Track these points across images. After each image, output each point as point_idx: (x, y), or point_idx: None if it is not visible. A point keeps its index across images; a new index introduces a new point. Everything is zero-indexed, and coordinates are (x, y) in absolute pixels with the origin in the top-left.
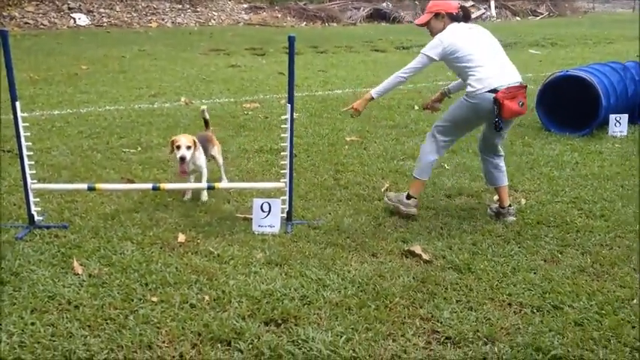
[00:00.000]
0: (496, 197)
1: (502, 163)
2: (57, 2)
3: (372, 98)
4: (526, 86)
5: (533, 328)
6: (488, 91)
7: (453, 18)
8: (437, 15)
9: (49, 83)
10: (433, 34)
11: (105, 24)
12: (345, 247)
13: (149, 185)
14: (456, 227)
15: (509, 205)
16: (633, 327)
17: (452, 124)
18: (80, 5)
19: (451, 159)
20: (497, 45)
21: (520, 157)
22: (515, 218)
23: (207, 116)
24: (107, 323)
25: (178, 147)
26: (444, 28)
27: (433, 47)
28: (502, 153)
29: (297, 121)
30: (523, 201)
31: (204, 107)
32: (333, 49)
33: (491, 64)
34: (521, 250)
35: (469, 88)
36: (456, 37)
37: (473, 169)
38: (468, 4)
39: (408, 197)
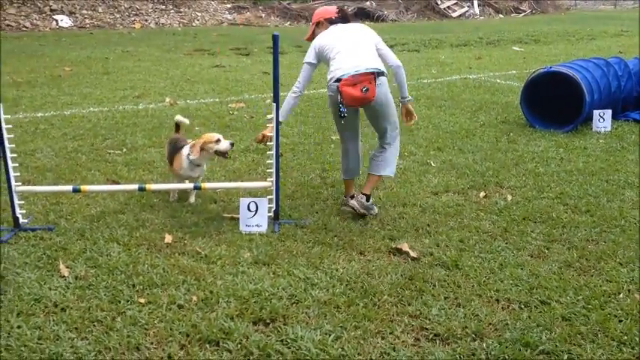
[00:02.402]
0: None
1: (377, 152)
2: (39, 4)
3: (280, 122)
4: (374, 73)
5: (521, 324)
6: (335, 81)
7: (332, 22)
8: (318, 24)
9: (33, 85)
10: None
11: (88, 25)
12: (332, 245)
13: (135, 186)
14: (443, 224)
15: (352, 196)
16: (620, 321)
17: (334, 122)
18: (62, 7)
19: (437, 156)
20: (363, 39)
21: (505, 153)
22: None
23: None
24: (94, 325)
25: (218, 141)
26: None
27: (309, 53)
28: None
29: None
30: (509, 197)
31: (178, 117)
32: None
33: (346, 55)
34: (508, 246)
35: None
36: (324, 36)
37: (459, 166)
38: (450, 3)
39: (367, 199)
